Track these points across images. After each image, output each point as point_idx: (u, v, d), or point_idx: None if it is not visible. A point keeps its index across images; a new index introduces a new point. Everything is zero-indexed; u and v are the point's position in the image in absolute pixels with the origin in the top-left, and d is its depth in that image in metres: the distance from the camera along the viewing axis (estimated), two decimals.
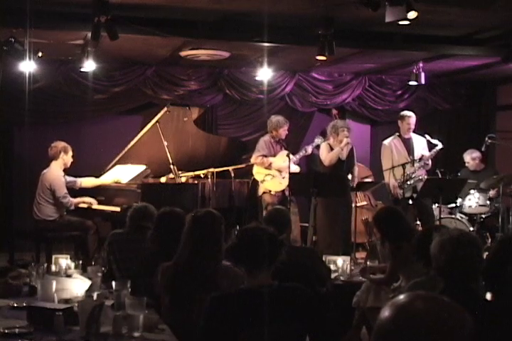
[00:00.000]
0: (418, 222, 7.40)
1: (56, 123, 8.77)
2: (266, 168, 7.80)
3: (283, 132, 7.79)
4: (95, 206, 7.11)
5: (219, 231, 3.34)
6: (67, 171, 7.04)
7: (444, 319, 1.35)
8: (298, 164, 7.98)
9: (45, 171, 6.96)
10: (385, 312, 1.38)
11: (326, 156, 7.41)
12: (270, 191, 7.76)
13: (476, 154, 8.41)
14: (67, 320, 2.87)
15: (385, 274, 4.62)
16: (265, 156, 7.80)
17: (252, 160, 7.85)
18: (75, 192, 7.11)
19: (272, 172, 7.79)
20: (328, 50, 6.44)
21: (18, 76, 7.15)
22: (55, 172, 6.90)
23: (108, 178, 7.39)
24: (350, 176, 7.50)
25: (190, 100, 9.01)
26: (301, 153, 7.85)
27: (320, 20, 6.30)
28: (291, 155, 7.53)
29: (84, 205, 7.10)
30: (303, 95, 9.38)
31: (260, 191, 7.85)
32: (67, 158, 6.95)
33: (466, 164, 8.48)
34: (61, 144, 6.96)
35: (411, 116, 7.62)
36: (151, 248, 4.01)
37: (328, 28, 6.31)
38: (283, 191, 7.75)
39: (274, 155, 7.84)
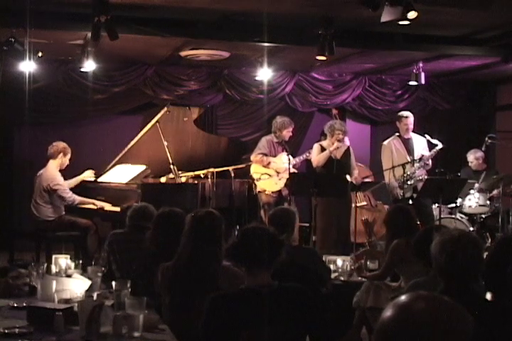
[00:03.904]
0: (418, 222, 7.40)
1: (56, 123, 8.77)
2: (264, 166, 7.80)
3: (287, 133, 7.77)
4: (95, 206, 7.09)
5: (219, 231, 3.34)
6: (62, 172, 7.01)
7: (445, 319, 1.35)
8: (297, 168, 7.98)
9: (41, 171, 6.94)
10: (387, 312, 1.38)
11: (314, 158, 7.42)
12: (265, 190, 7.76)
13: (480, 154, 8.39)
14: (67, 320, 2.86)
15: (379, 270, 4.69)
16: (265, 155, 7.80)
17: (252, 157, 7.86)
18: (78, 193, 7.08)
19: (269, 172, 7.78)
20: (328, 50, 6.45)
21: (18, 76, 7.14)
22: (53, 172, 6.88)
23: (84, 175, 7.34)
24: (349, 177, 7.48)
25: (190, 100, 9.02)
26: (302, 157, 7.85)
27: (320, 20, 6.31)
28: (291, 157, 7.54)
29: (91, 206, 7.07)
30: (303, 95, 9.38)
31: (256, 190, 7.86)
32: (64, 160, 6.94)
33: (469, 163, 8.46)
34: (62, 145, 6.95)
35: (408, 117, 7.61)
36: (150, 248, 4.01)
37: (328, 28, 6.32)
38: (279, 191, 7.76)
39: (275, 156, 7.83)
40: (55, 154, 6.90)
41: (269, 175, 7.78)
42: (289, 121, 7.81)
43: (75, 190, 7.09)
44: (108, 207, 7.01)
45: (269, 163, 7.79)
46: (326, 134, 7.54)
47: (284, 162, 7.64)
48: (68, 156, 6.96)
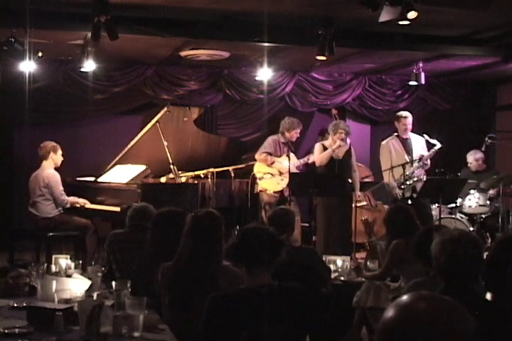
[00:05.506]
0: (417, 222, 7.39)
1: (56, 123, 8.77)
2: (268, 165, 7.81)
3: (294, 135, 7.78)
4: (95, 206, 7.10)
5: (219, 231, 3.34)
6: (59, 170, 7.00)
7: (446, 319, 1.35)
8: (301, 169, 7.98)
9: (37, 172, 6.94)
10: (388, 313, 1.39)
11: (317, 157, 7.43)
12: (266, 190, 7.76)
13: (480, 155, 8.39)
14: (67, 320, 2.86)
15: (379, 270, 4.69)
16: (270, 154, 7.81)
17: (256, 156, 7.87)
18: (70, 192, 7.07)
19: (272, 172, 7.78)
20: (328, 50, 6.45)
21: (18, 76, 7.14)
22: (50, 171, 6.89)
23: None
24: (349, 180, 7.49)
25: (190, 100, 9.02)
26: (302, 161, 7.85)
27: (320, 20, 6.31)
28: (293, 157, 7.52)
29: (79, 205, 7.07)
30: (303, 95, 9.38)
31: (257, 189, 7.86)
32: (56, 158, 6.95)
33: (469, 164, 8.45)
34: (50, 144, 6.96)
35: (407, 117, 7.60)
36: (149, 248, 4.01)
37: (328, 28, 6.32)
38: (281, 192, 7.75)
39: (279, 156, 7.84)
40: (46, 155, 6.91)
41: (272, 175, 7.79)
42: (298, 123, 7.82)
43: (75, 190, 7.10)
44: (88, 204, 7.01)
45: (273, 163, 7.80)
46: (325, 134, 7.56)
47: (287, 163, 7.64)
48: (59, 152, 6.95)
